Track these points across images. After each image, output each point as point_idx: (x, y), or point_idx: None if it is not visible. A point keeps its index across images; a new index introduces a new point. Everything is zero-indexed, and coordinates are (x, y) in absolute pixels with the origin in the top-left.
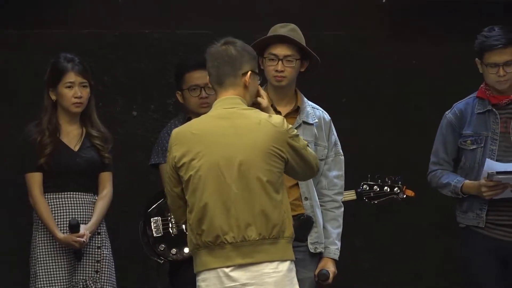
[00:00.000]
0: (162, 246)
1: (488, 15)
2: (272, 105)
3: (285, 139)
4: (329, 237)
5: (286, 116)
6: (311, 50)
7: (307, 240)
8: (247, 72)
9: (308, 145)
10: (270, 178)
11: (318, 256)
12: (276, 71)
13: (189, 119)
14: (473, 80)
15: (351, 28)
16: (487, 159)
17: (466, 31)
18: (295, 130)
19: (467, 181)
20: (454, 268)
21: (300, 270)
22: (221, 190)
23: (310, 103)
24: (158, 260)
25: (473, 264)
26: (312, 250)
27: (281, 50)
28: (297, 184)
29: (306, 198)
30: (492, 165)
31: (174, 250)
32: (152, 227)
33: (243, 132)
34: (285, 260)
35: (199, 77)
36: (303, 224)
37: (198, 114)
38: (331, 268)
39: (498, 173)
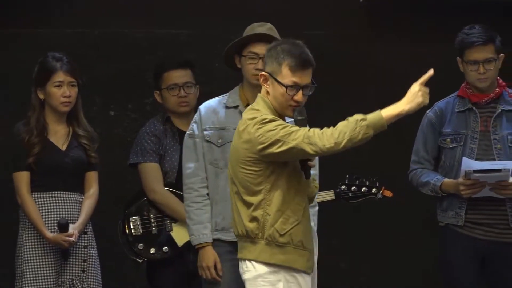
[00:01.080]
0: (141, 245)
1: (469, 15)
2: (247, 104)
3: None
4: None
5: None
6: None
7: None
8: (261, 74)
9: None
10: (242, 181)
11: None
12: (257, 69)
13: (168, 118)
14: (454, 80)
15: (330, 27)
16: (464, 157)
17: (446, 30)
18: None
19: (446, 180)
20: (433, 267)
21: None
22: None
23: None
24: (137, 259)
25: (452, 262)
26: None
27: (261, 49)
28: None
29: None
30: (469, 164)
31: (153, 249)
32: (131, 226)
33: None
34: (261, 262)
35: (177, 76)
36: None
37: (177, 113)
38: None
39: (476, 171)
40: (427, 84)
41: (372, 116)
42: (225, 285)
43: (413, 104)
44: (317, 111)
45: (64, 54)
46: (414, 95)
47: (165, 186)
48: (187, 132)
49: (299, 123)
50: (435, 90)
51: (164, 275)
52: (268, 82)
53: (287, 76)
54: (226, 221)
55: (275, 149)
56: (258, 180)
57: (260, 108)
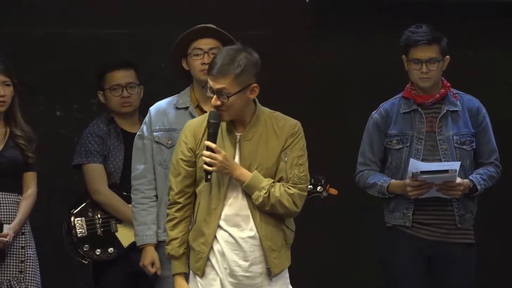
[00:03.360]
0: (86, 247)
1: (414, 15)
2: (198, 105)
3: None
4: None
5: None
6: (234, 39)
7: None
8: None
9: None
10: None
11: None
12: (203, 64)
13: (111, 119)
14: (399, 80)
15: (274, 27)
16: (411, 159)
17: (390, 29)
18: None
19: (393, 181)
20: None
21: None
22: None
23: None
24: (83, 260)
25: (398, 263)
26: None
27: (206, 43)
28: None
29: None
30: (416, 165)
31: (98, 250)
32: (76, 227)
33: None
34: None
35: (120, 76)
36: None
37: (120, 114)
38: None
39: (423, 172)
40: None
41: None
42: (169, 285)
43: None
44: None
45: None
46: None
47: (109, 186)
48: (137, 134)
49: (209, 126)
50: (380, 90)
51: (111, 275)
52: None
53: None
54: None
55: None
56: None
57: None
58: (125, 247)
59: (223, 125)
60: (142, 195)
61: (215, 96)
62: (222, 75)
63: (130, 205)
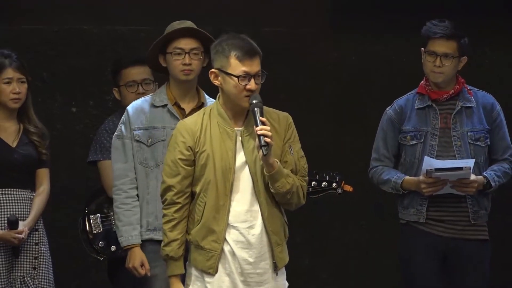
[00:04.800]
0: (101, 243)
1: (431, 12)
2: (175, 103)
3: None
4: None
5: (190, 113)
6: (214, 39)
7: None
8: (211, 71)
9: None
10: None
11: None
12: (184, 64)
13: None
14: (414, 77)
15: (290, 24)
16: (425, 156)
17: (407, 28)
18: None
19: (407, 177)
20: (394, 264)
21: None
22: None
23: (212, 99)
24: (98, 257)
25: (413, 260)
26: None
27: (187, 44)
28: None
29: None
30: (430, 162)
31: (113, 247)
32: (92, 224)
33: None
34: None
35: (135, 73)
36: None
37: None
38: None
39: (437, 170)
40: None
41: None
42: (158, 282)
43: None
44: (274, 107)
45: (13, 51)
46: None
47: None
48: (115, 134)
49: (253, 105)
50: (395, 87)
51: (126, 272)
52: (219, 78)
53: (236, 67)
54: (158, 221)
55: None
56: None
57: (197, 114)
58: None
59: (219, 120)
60: (126, 195)
61: (253, 81)
62: (259, 56)
63: None
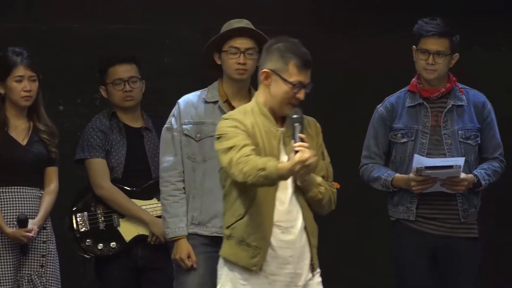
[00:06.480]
0: (88, 241)
1: (424, 10)
2: (226, 100)
3: None
4: None
5: None
6: (268, 39)
7: None
8: (264, 70)
9: (232, 148)
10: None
11: None
12: (239, 63)
13: (113, 113)
14: (405, 75)
15: (280, 22)
16: (415, 154)
17: (398, 26)
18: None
19: (397, 175)
20: (387, 262)
21: None
22: None
23: None
24: (85, 255)
25: (403, 257)
26: None
27: (242, 43)
28: None
29: None
30: (420, 160)
31: (101, 245)
32: (79, 222)
33: None
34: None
35: (122, 71)
36: None
37: (122, 109)
38: None
39: (427, 168)
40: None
41: (269, 169)
42: (198, 277)
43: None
44: None
45: (24, 49)
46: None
47: (112, 181)
48: (165, 126)
49: (294, 121)
50: (386, 85)
51: (113, 270)
52: (269, 79)
53: (293, 74)
54: (202, 216)
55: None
56: (225, 175)
57: (239, 112)
58: (127, 241)
59: (263, 120)
60: (173, 187)
61: (303, 91)
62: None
63: (133, 199)
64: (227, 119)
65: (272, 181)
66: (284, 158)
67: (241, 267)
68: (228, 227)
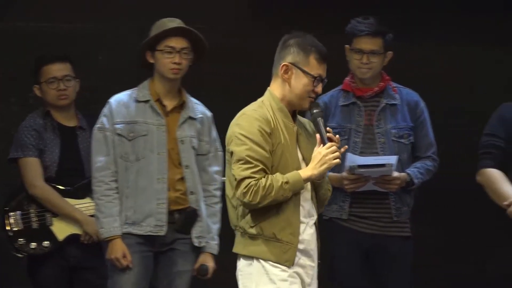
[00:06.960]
0: (21, 240)
1: (362, 8)
2: (158, 99)
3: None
4: (209, 232)
5: (172, 111)
6: (204, 39)
7: (190, 233)
8: (284, 64)
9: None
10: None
11: (200, 250)
12: (174, 63)
13: (47, 112)
14: (343, 73)
15: (211, 21)
16: (348, 153)
17: (331, 24)
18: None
19: (330, 174)
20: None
21: (181, 262)
22: None
23: (192, 98)
24: (18, 254)
25: (336, 255)
26: (196, 244)
27: (178, 43)
28: (183, 178)
29: (191, 193)
30: (353, 159)
31: (33, 244)
32: (11, 221)
33: None
34: (239, 254)
35: (56, 69)
36: (187, 217)
37: (56, 107)
38: (210, 263)
39: (359, 166)
40: None
41: (293, 180)
42: (134, 276)
43: (320, 170)
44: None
45: None
46: (322, 161)
47: (45, 180)
48: (97, 126)
49: (316, 115)
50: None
51: (45, 269)
52: (289, 73)
53: (314, 67)
54: (136, 215)
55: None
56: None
57: (258, 107)
58: (60, 240)
59: (281, 115)
60: (107, 187)
61: (320, 85)
62: None
63: (66, 198)
64: (252, 118)
65: (293, 191)
66: (299, 153)
67: (273, 264)
68: (252, 227)
